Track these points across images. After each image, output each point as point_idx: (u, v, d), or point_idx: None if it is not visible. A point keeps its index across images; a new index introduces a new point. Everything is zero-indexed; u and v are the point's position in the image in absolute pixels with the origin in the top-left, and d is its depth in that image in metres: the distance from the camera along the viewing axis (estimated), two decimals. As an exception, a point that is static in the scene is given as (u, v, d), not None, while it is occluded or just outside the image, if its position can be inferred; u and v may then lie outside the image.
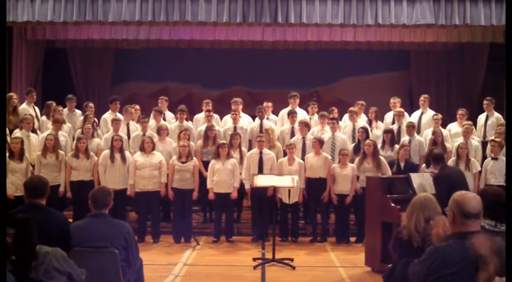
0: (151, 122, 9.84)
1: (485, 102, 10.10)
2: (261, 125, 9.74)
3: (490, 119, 9.94)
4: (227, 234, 8.81)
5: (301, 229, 9.21)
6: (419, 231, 4.24)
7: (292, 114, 9.86)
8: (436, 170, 6.98)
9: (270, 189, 8.38)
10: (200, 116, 10.21)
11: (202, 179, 8.86)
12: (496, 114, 9.93)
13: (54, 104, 10.03)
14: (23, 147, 8.42)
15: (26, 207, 4.24)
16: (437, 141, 9.19)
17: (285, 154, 9.03)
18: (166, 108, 10.46)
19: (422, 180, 7.10)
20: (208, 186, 8.73)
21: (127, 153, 8.89)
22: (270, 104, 10.35)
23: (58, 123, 9.26)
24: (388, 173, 8.45)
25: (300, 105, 10.46)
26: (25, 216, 3.48)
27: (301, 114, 10.17)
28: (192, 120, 10.23)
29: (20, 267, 3.28)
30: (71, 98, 10.47)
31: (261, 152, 8.83)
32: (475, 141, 9.29)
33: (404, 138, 9.44)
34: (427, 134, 9.66)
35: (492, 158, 8.55)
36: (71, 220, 5.52)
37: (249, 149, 9.37)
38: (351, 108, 10.11)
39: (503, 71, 6.18)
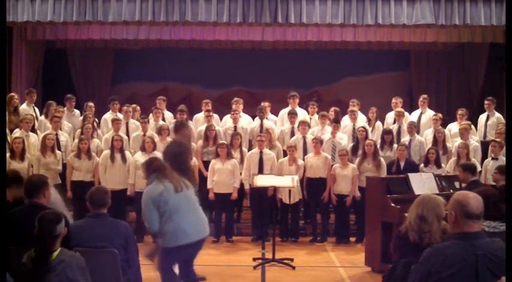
0: (152, 122, 9.84)
1: (486, 102, 10.10)
2: (261, 125, 9.74)
3: (491, 119, 9.95)
4: (227, 234, 8.81)
5: (301, 229, 9.21)
6: (412, 226, 4.28)
7: (292, 114, 9.86)
8: (464, 178, 6.86)
9: (270, 189, 8.39)
10: (200, 116, 10.21)
11: (203, 179, 8.85)
12: (497, 114, 9.93)
13: (54, 104, 10.03)
14: (24, 147, 8.44)
15: (26, 207, 4.23)
16: (438, 140, 9.19)
17: (285, 154, 9.03)
18: (164, 108, 10.47)
19: (421, 180, 7.09)
20: (209, 186, 8.72)
21: (127, 153, 8.89)
22: (266, 104, 10.34)
23: (57, 122, 9.25)
24: (385, 174, 8.46)
25: (300, 105, 10.46)
26: (49, 217, 3.54)
27: (301, 114, 10.17)
28: (192, 120, 10.23)
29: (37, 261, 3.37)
30: (71, 98, 10.47)
31: (261, 152, 8.82)
32: (474, 141, 9.28)
33: (405, 138, 9.45)
34: (426, 134, 9.67)
35: (492, 158, 8.55)
36: (71, 220, 5.51)
37: (249, 149, 9.37)
38: (352, 108, 10.12)
39: (503, 71, 6.18)
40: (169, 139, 9.38)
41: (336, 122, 9.52)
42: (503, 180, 6.29)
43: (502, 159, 8.33)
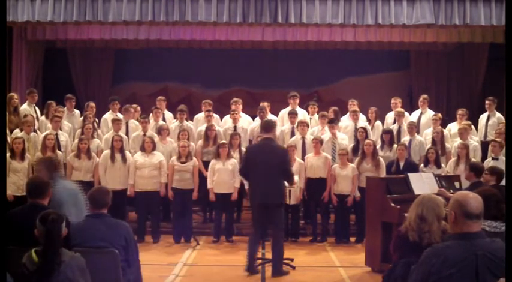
0: (152, 122, 9.84)
1: (487, 102, 10.11)
2: (261, 125, 9.72)
3: (492, 119, 9.96)
4: (227, 234, 8.81)
5: (301, 229, 9.20)
6: (412, 226, 4.29)
7: (292, 114, 9.86)
8: (468, 177, 6.84)
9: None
10: (200, 116, 10.21)
11: (203, 179, 8.85)
12: (498, 114, 9.93)
13: (54, 104, 10.03)
14: (24, 147, 8.44)
15: (27, 207, 4.23)
16: (436, 140, 9.19)
17: (284, 154, 9.01)
18: (164, 108, 10.47)
19: (421, 180, 7.08)
20: (209, 186, 8.73)
21: (127, 153, 8.89)
22: (266, 104, 10.34)
23: (57, 122, 9.25)
24: (384, 174, 8.45)
25: (300, 105, 10.46)
26: (55, 217, 3.52)
27: (301, 114, 10.17)
28: (192, 120, 10.24)
29: (45, 265, 3.34)
30: (71, 98, 10.47)
31: (261, 152, 8.80)
32: (474, 141, 9.28)
33: (405, 138, 9.45)
34: (426, 134, 9.67)
35: (492, 158, 8.54)
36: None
37: (249, 149, 9.35)
38: (354, 109, 10.12)
39: (503, 71, 6.17)
40: (169, 139, 9.40)
41: (331, 122, 9.48)
42: (493, 181, 6.29)
43: (502, 159, 8.32)
